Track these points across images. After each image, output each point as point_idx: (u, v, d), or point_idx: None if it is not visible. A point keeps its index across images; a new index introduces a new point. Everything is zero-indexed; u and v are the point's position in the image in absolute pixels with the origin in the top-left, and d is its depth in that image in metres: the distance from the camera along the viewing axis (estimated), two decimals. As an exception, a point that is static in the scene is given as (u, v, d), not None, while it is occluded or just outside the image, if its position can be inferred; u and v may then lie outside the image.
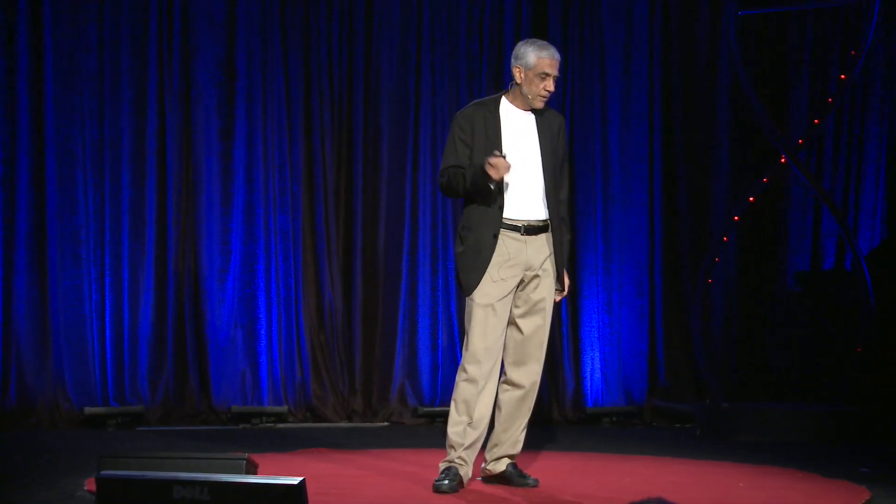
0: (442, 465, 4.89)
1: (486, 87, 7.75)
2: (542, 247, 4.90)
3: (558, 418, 7.74)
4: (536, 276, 4.90)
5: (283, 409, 7.43)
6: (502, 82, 7.80)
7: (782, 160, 7.21)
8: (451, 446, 4.87)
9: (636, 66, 8.03)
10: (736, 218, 7.36)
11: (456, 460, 4.86)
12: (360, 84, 7.72)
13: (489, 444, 5.03)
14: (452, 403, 4.89)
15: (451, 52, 7.82)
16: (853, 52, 7.24)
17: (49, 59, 7.11)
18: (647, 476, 5.50)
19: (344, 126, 7.74)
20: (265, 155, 7.53)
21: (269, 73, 7.54)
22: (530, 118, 4.92)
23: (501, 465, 5.01)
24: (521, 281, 4.91)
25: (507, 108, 4.92)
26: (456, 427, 4.86)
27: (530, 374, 4.95)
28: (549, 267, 4.93)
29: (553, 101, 7.89)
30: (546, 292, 4.92)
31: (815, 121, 7.35)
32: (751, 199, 7.29)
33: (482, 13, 7.85)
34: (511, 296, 4.90)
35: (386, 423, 7.59)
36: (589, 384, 7.83)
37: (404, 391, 7.66)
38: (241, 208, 7.50)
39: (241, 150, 7.51)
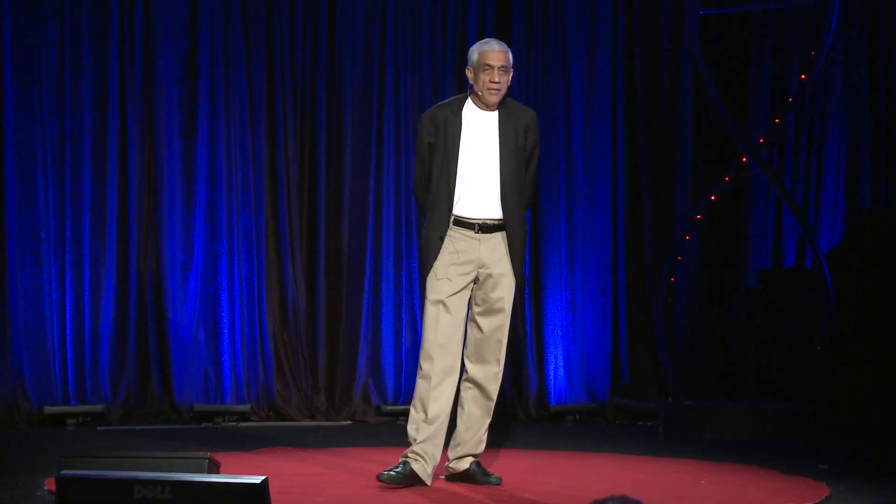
0: (400, 460, 4.92)
1: (450, 86, 7.75)
2: (497, 245, 4.95)
3: (522, 416, 7.75)
4: (491, 275, 4.95)
5: (246, 407, 7.40)
6: (466, 81, 7.79)
7: (744, 160, 7.26)
8: (409, 441, 4.91)
9: (599, 65, 8.06)
10: (698, 217, 7.40)
11: (409, 455, 4.89)
12: (324, 82, 7.70)
13: (452, 443, 5.04)
14: (412, 400, 4.96)
15: (415, 51, 7.81)
16: (813, 53, 7.30)
17: (7, 55, 7.04)
18: (610, 474, 5.52)
19: (307, 124, 7.71)
20: (228, 153, 7.49)
21: (231, 70, 7.50)
22: (493, 117, 4.99)
23: (465, 464, 5.03)
24: (477, 279, 4.96)
25: (470, 108, 5.01)
26: (412, 423, 4.91)
27: (489, 373, 4.98)
28: (507, 266, 4.96)
29: (516, 100, 7.94)
30: (504, 292, 4.97)
31: (776, 120, 7.40)
32: (713, 197, 7.34)
33: (446, 12, 7.85)
34: (466, 293, 4.95)
35: (349, 422, 7.58)
36: (552, 382, 7.86)
37: (368, 390, 7.64)
38: (204, 206, 7.46)
39: (203, 148, 7.47)
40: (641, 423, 7.71)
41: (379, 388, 7.66)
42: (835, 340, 7.13)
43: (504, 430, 7.20)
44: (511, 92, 7.88)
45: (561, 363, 7.87)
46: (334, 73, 7.72)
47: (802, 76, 7.34)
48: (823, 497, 4.89)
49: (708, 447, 6.52)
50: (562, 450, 6.35)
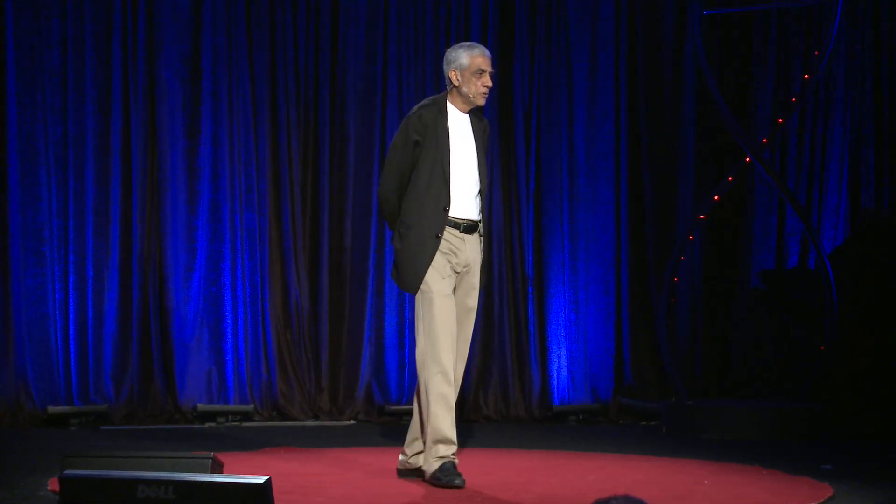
0: (437, 464, 4.84)
1: (453, 86, 7.74)
2: (474, 244, 5.04)
3: (524, 416, 7.76)
4: (469, 274, 5.02)
5: (249, 407, 7.41)
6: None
7: (747, 160, 7.26)
8: (440, 441, 4.84)
9: (602, 65, 8.06)
10: (701, 217, 7.40)
11: (450, 456, 4.85)
12: (327, 82, 7.71)
13: (409, 438, 5.04)
14: (428, 399, 4.84)
15: (418, 50, 7.82)
16: (816, 53, 7.30)
17: (11, 55, 7.05)
18: (613, 473, 5.52)
19: (310, 124, 7.72)
20: (231, 153, 7.50)
21: (234, 70, 7.51)
22: (467, 120, 5.08)
23: (422, 460, 4.99)
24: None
25: (451, 109, 5.05)
26: (443, 423, 4.83)
27: (458, 371, 5.02)
28: (479, 265, 5.06)
29: (518, 100, 7.97)
30: (477, 291, 5.06)
31: (780, 120, 7.40)
32: (716, 197, 7.34)
33: (449, 12, 7.86)
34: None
35: (352, 422, 7.58)
36: (555, 382, 7.86)
37: (371, 389, 7.65)
38: (207, 206, 7.47)
39: (206, 148, 7.48)
40: (644, 423, 7.71)
41: (382, 388, 7.66)
42: (838, 340, 7.13)
43: (506, 429, 7.20)
44: (513, 92, 7.96)
45: (564, 363, 7.87)
46: (337, 73, 7.72)
47: (806, 76, 7.33)
48: (827, 497, 4.88)
49: (710, 447, 6.52)
50: (564, 449, 6.35)
